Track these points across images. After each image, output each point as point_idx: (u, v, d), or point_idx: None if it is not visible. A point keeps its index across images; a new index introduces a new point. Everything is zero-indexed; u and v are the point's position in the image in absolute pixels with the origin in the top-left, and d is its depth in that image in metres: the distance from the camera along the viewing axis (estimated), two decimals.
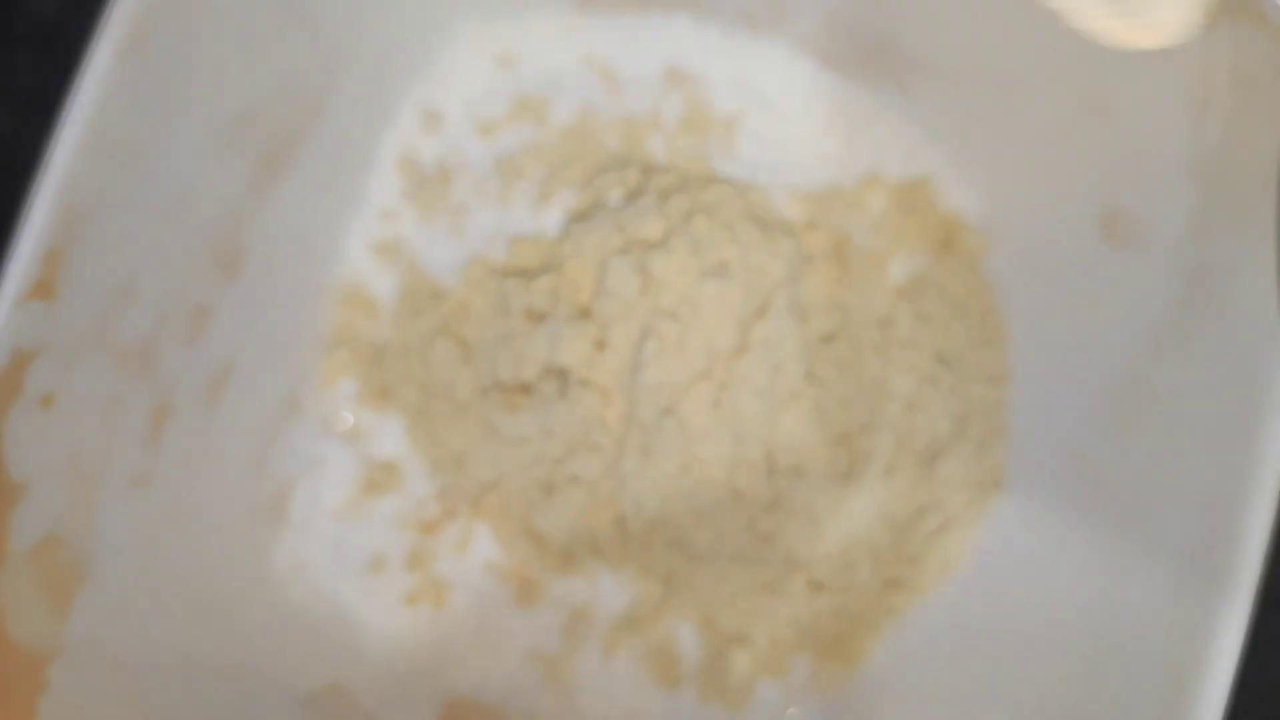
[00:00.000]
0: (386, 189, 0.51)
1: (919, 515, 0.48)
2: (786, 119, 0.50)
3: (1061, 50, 0.44)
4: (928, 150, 0.50)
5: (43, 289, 0.38)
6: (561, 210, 0.48)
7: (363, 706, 0.48)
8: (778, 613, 0.49)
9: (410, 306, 0.50)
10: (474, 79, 0.52)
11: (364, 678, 0.48)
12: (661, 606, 0.48)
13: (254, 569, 0.49)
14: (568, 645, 0.49)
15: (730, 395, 0.44)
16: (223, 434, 0.47)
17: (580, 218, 0.47)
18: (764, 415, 0.45)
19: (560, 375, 0.45)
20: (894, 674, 0.49)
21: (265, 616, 0.48)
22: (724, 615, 0.48)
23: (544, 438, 0.46)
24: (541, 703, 0.49)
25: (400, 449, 0.50)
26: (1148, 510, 0.43)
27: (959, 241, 0.50)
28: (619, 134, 0.50)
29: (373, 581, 0.50)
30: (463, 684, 0.49)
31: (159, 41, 0.40)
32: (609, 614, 0.49)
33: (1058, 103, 0.46)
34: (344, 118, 0.49)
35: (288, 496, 0.50)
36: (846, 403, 0.46)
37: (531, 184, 0.49)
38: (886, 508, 0.48)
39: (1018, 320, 0.49)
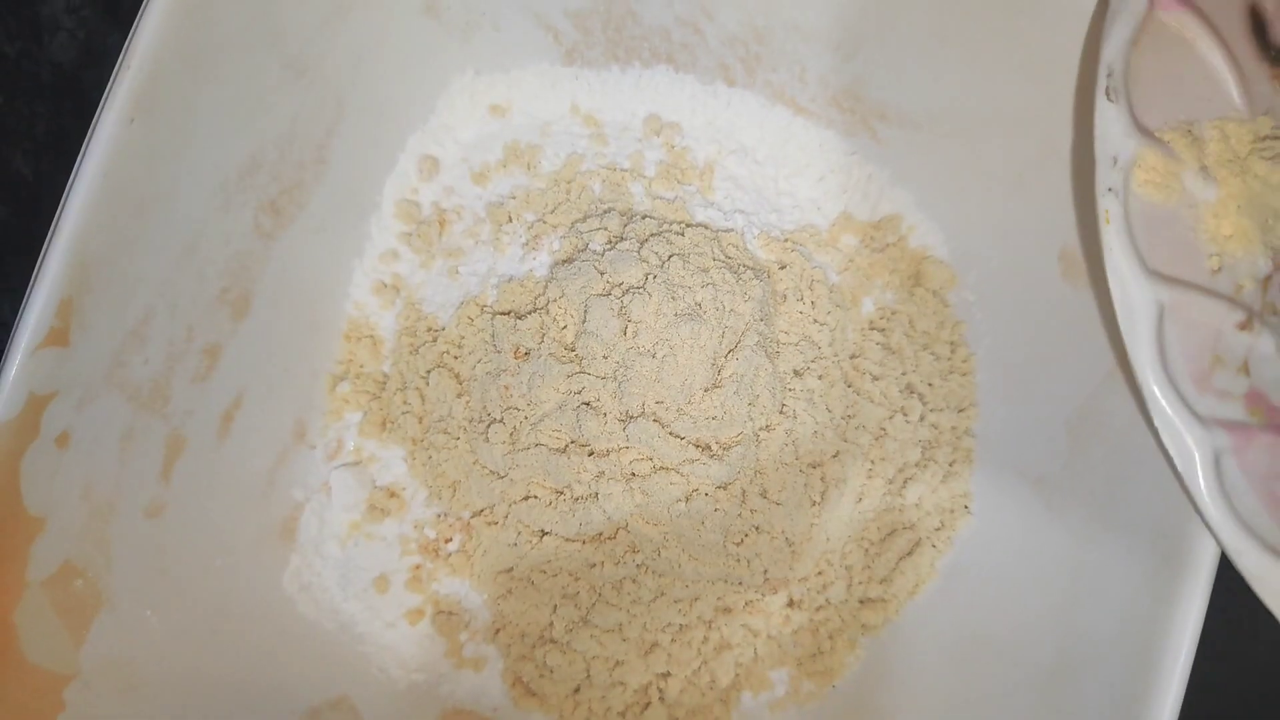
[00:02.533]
0: (387, 232, 0.52)
1: (891, 538, 0.48)
2: (761, 164, 0.50)
3: (1021, 98, 0.44)
4: (896, 192, 0.50)
5: (56, 336, 0.39)
6: (549, 254, 0.48)
7: (366, 718, 0.48)
8: (758, 630, 0.49)
9: (409, 343, 0.50)
10: (469, 127, 0.52)
11: (367, 691, 0.49)
12: (646, 626, 0.48)
13: (264, 590, 0.49)
14: None
15: (707, 428, 0.44)
16: (234, 464, 0.48)
17: (565, 261, 0.48)
18: (740, 446, 0.45)
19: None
20: (870, 687, 0.49)
21: (275, 635, 0.48)
22: (706, 633, 0.48)
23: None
24: (534, 713, 0.49)
25: (401, 476, 0.51)
26: (1105, 531, 0.42)
27: (928, 275, 0.50)
28: (603, 180, 0.51)
29: (377, 600, 0.50)
30: (461, 695, 0.50)
31: (166, 98, 0.40)
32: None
33: (1019, 149, 0.46)
34: (346, 165, 0.50)
35: (296, 521, 0.50)
36: (818, 433, 0.46)
37: (521, 228, 0.49)
38: (859, 532, 0.48)
39: (983, 352, 0.49)
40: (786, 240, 0.49)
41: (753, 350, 0.45)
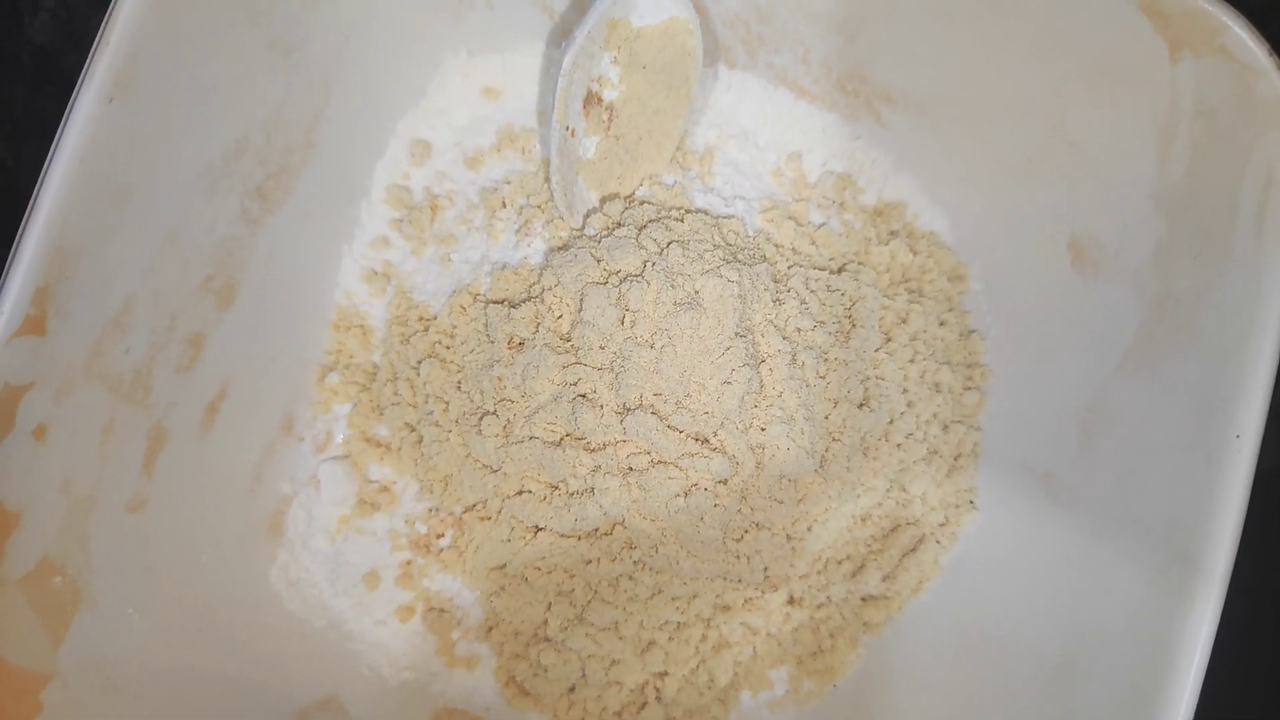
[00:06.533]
0: (377, 218, 0.50)
1: (894, 534, 0.47)
2: (763, 148, 0.49)
3: (1031, 83, 0.43)
4: (901, 177, 0.49)
5: (33, 325, 0.37)
6: (544, 240, 0.47)
7: (355, 718, 0.47)
8: (757, 628, 0.48)
9: (399, 332, 0.48)
10: (462, 110, 0.50)
11: (357, 691, 0.47)
12: (643, 624, 0.47)
13: (252, 587, 0.48)
14: None
15: (707, 421, 0.43)
16: (219, 457, 0.46)
17: (561, 248, 0.46)
18: (741, 440, 0.43)
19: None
20: (871, 686, 0.48)
21: (262, 632, 0.47)
22: (705, 631, 0.47)
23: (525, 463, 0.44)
24: (528, 713, 0.48)
25: (392, 470, 0.49)
26: (1114, 526, 0.41)
27: (934, 264, 0.48)
28: None
29: (366, 597, 0.49)
30: (452, 694, 0.48)
31: (146, 77, 0.39)
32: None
33: (1027, 133, 0.44)
34: (335, 149, 0.48)
35: (284, 516, 0.49)
36: (820, 426, 0.45)
37: (514, 213, 0.48)
38: (862, 528, 0.47)
39: (990, 343, 0.48)
40: (787, 226, 0.48)
41: (755, 341, 0.43)
